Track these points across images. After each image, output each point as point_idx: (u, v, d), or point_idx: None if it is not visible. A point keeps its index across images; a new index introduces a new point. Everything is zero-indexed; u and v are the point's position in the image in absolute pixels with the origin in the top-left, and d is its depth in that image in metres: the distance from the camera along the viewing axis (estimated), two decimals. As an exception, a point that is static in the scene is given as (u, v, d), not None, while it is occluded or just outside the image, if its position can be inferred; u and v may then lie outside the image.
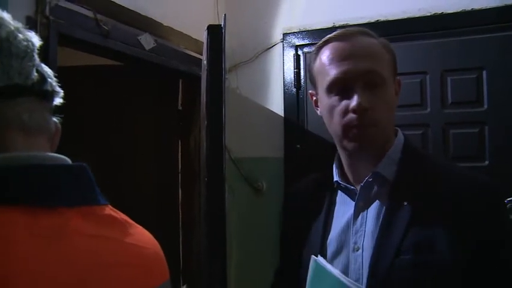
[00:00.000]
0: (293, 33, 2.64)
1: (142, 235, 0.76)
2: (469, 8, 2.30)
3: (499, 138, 2.26)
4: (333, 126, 1.04)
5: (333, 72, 1.01)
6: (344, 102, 1.00)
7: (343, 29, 1.07)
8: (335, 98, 1.02)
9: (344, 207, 1.08)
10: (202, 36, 2.04)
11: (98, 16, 1.87)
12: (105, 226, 0.69)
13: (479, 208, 0.94)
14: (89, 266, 0.63)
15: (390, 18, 2.42)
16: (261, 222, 2.61)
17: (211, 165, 1.88)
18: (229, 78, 2.72)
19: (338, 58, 1.01)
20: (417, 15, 2.39)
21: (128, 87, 2.61)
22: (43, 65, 0.71)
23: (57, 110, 0.74)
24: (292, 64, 2.63)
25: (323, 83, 1.04)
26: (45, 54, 1.59)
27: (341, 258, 1.03)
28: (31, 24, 1.55)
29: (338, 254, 1.04)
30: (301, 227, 1.14)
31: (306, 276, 1.07)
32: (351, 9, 2.49)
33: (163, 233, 2.49)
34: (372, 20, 2.42)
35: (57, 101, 0.73)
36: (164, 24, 2.28)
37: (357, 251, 1.01)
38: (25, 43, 0.67)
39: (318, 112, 1.13)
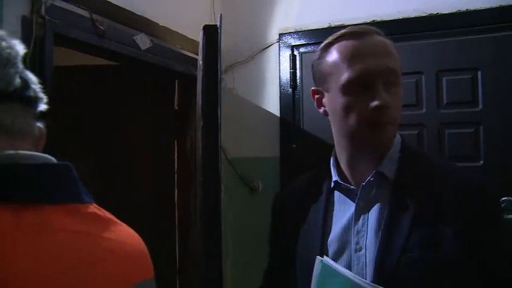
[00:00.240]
0: (289, 33, 2.64)
1: (124, 232, 0.76)
2: (464, 9, 2.32)
3: (494, 138, 2.27)
4: (349, 124, 1.01)
5: (351, 70, 0.99)
6: (364, 100, 0.99)
7: (352, 27, 1.06)
8: (352, 96, 1.00)
9: (343, 207, 1.08)
10: (198, 36, 2.04)
11: (94, 16, 1.87)
12: (87, 223, 0.69)
13: (476, 208, 0.95)
14: (74, 263, 0.64)
15: (386, 18, 2.42)
16: (257, 222, 2.59)
17: (206, 165, 1.88)
18: (225, 79, 2.72)
19: (355, 56, 1.00)
20: (412, 16, 2.40)
21: (124, 87, 2.61)
22: (27, 72, 0.72)
23: (54, 109, 0.74)
24: (288, 64, 2.63)
25: (337, 82, 1.02)
26: (41, 54, 1.58)
27: (342, 259, 1.02)
28: (27, 24, 1.54)
29: (339, 255, 1.03)
30: (293, 227, 1.13)
31: (298, 276, 1.07)
32: (347, 9, 2.50)
33: (159, 233, 2.52)
34: (368, 20, 2.42)
35: (42, 106, 0.73)
36: (160, 24, 2.28)
37: (359, 251, 1.01)
38: (8, 50, 0.68)
39: (321, 111, 1.11)
